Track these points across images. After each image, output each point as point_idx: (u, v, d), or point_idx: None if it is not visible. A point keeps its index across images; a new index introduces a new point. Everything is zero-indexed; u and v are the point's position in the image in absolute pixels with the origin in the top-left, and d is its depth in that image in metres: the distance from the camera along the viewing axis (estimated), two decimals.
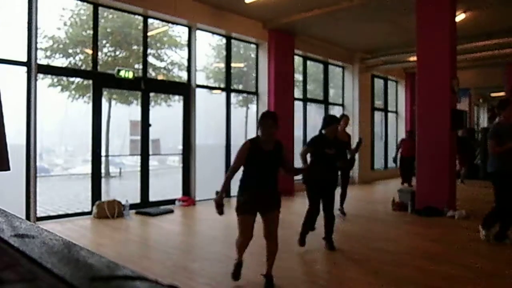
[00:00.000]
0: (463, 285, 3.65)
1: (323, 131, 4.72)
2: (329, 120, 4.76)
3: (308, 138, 10.29)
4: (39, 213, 6.21)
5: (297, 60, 10.27)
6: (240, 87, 9.63)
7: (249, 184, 3.43)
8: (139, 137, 7.30)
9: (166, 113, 9.18)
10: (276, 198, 3.53)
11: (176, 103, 8.66)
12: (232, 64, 9.04)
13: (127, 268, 0.51)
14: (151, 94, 7.70)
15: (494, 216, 4.96)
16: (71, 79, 9.03)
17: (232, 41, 8.88)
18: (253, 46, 9.38)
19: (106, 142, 8.70)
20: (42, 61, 6.99)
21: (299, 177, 3.90)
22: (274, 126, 3.46)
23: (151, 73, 8.26)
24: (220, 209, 3.36)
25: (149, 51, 7.82)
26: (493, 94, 16.25)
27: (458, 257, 4.46)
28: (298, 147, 9.82)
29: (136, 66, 7.74)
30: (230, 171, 3.49)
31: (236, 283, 3.60)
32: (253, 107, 9.61)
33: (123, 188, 10.40)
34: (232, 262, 4.04)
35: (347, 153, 6.01)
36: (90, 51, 6.95)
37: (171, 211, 6.91)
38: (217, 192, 3.55)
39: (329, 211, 4.66)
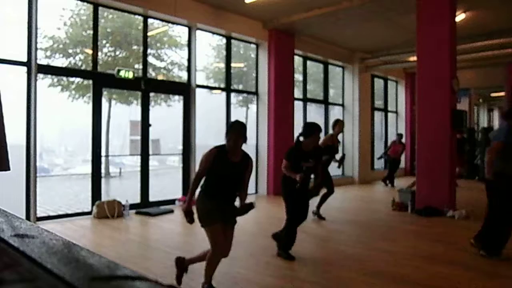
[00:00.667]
0: (463, 285, 3.65)
1: (300, 139, 4.42)
2: (308, 130, 4.40)
3: None
4: (39, 213, 6.21)
5: (297, 60, 10.27)
6: (240, 87, 9.63)
7: (213, 193, 3.25)
8: (139, 137, 7.30)
9: (166, 113, 9.18)
10: (234, 211, 3.35)
11: (176, 103, 8.66)
12: (232, 64, 9.04)
13: (127, 268, 0.51)
14: (151, 94, 7.70)
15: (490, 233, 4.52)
16: (71, 79, 9.03)
17: (232, 41, 8.88)
18: (253, 46, 9.38)
19: (106, 142, 8.70)
20: (42, 61, 6.99)
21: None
22: (241, 139, 3.23)
23: (151, 73, 8.26)
24: (190, 217, 3.20)
25: (149, 51, 7.82)
26: (493, 94, 16.26)
27: (458, 257, 4.46)
28: None
29: (136, 66, 7.74)
30: (196, 178, 3.30)
31: (236, 283, 3.60)
32: (253, 107, 9.61)
33: (123, 188, 10.40)
34: (232, 262, 4.04)
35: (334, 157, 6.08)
36: (90, 51, 6.95)
37: (171, 211, 6.91)
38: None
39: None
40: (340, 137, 6.80)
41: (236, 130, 3.22)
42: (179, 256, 3.54)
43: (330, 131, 6.62)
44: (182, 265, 3.49)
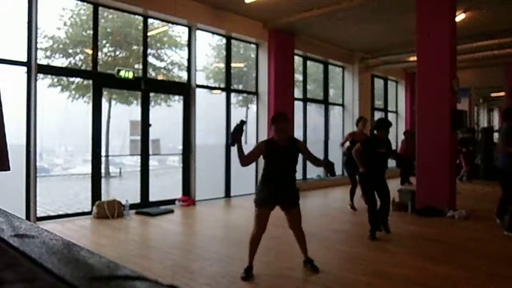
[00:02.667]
0: (463, 285, 3.65)
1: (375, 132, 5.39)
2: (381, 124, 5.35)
3: (309, 138, 10.42)
4: (39, 213, 6.21)
5: (297, 60, 10.27)
6: (240, 87, 9.63)
7: (267, 179, 3.67)
8: (139, 137, 7.30)
9: (166, 113, 9.18)
10: (295, 193, 3.76)
11: (176, 103, 8.66)
12: (232, 64, 9.04)
13: (127, 268, 0.51)
14: (151, 94, 7.70)
15: (504, 203, 5.63)
16: (71, 79, 9.04)
17: (232, 41, 8.88)
18: (253, 46, 9.38)
19: (106, 142, 8.71)
20: (42, 61, 7.00)
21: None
22: (287, 128, 3.70)
23: (151, 73, 8.26)
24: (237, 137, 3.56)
25: (149, 51, 7.82)
26: (493, 94, 16.27)
27: (458, 257, 4.46)
28: None
29: (136, 66, 7.74)
30: (243, 157, 3.62)
31: (236, 283, 3.60)
32: (253, 107, 9.61)
33: (123, 188, 10.40)
34: (232, 262, 4.05)
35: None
36: (90, 51, 6.95)
37: (171, 211, 6.91)
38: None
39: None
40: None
41: (280, 125, 3.64)
42: (303, 260, 3.96)
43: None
44: (310, 261, 3.94)
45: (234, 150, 3.75)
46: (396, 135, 13.76)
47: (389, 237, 5.44)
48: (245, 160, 3.62)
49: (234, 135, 3.56)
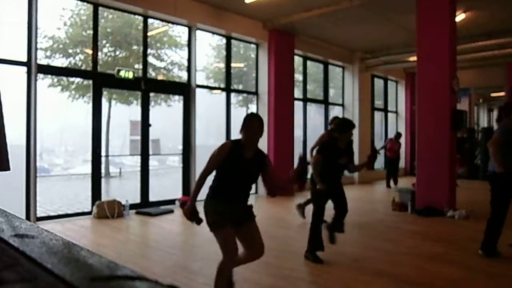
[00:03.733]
0: (463, 285, 3.65)
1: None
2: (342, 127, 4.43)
3: (308, 138, 10.43)
4: (39, 213, 6.21)
5: (297, 60, 10.27)
6: (240, 87, 9.63)
7: (223, 193, 2.94)
8: (139, 137, 7.30)
9: (166, 113, 9.18)
10: (250, 209, 3.05)
11: (176, 103, 8.66)
12: (232, 64, 9.04)
13: (127, 268, 0.51)
14: (151, 94, 7.70)
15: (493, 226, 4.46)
16: (71, 79, 9.03)
17: (232, 41, 8.88)
18: (253, 46, 9.38)
19: (106, 142, 8.70)
20: (42, 61, 6.99)
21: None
22: (260, 132, 2.96)
23: (151, 73, 8.26)
24: (196, 217, 2.93)
25: (149, 51, 7.82)
26: (493, 94, 16.25)
27: (458, 257, 4.46)
28: (298, 147, 9.84)
29: (136, 66, 7.74)
30: (202, 176, 2.99)
31: (236, 283, 3.59)
32: (253, 107, 9.61)
33: (123, 188, 10.40)
34: None
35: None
36: (90, 51, 6.95)
37: (171, 211, 6.91)
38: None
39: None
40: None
41: (255, 123, 2.96)
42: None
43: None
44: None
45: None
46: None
47: (389, 237, 5.44)
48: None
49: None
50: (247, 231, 2.97)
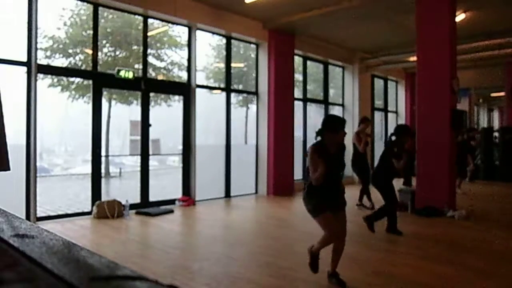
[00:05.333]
0: (463, 285, 3.65)
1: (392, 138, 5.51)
2: (400, 131, 5.56)
3: (309, 139, 10.42)
4: (39, 213, 6.21)
5: (297, 60, 10.27)
6: (240, 87, 9.63)
7: (321, 185, 3.48)
8: (139, 137, 7.30)
9: (166, 113, 9.18)
10: (342, 197, 3.65)
11: (176, 103, 8.66)
12: (232, 64, 9.04)
13: (127, 268, 0.51)
14: (151, 94, 7.70)
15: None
16: (71, 79, 9.03)
17: (232, 41, 8.88)
18: (253, 46, 9.38)
19: (106, 142, 8.70)
20: (42, 61, 6.99)
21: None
22: (343, 137, 3.58)
23: (151, 73, 8.26)
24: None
25: (149, 51, 7.82)
26: (493, 94, 16.26)
27: (458, 257, 4.46)
28: (298, 147, 9.84)
29: (136, 66, 7.74)
30: (314, 176, 3.48)
31: (236, 283, 3.60)
32: (253, 107, 9.61)
33: (123, 188, 10.41)
34: (232, 262, 4.04)
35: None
36: (90, 51, 6.95)
37: (171, 211, 6.91)
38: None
39: None
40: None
41: (341, 133, 3.51)
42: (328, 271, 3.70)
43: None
44: (335, 275, 3.68)
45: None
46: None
47: (389, 237, 5.44)
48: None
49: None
50: (337, 218, 3.58)
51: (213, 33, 8.58)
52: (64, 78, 9.01)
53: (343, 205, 3.64)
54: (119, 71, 6.77)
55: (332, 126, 3.52)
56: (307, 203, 3.58)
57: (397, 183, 10.28)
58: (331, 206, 3.52)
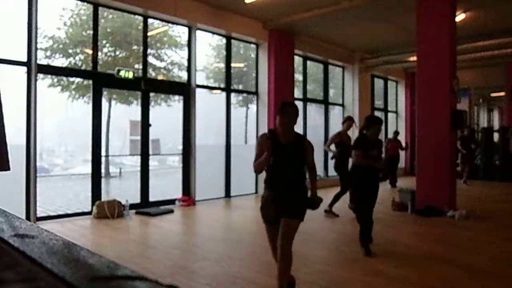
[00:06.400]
0: (463, 285, 3.65)
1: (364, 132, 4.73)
2: (371, 123, 4.71)
3: (308, 138, 10.39)
4: (39, 213, 6.21)
5: (297, 60, 10.27)
6: (240, 87, 9.63)
7: (268, 184, 3.08)
8: (139, 137, 7.30)
9: (166, 113, 9.18)
10: (296, 204, 3.02)
11: (176, 103, 8.66)
12: (232, 64, 9.04)
13: (127, 268, 0.51)
14: (151, 94, 7.70)
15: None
16: (71, 79, 9.03)
17: (232, 41, 8.88)
18: (253, 46, 9.38)
19: (106, 142, 8.71)
20: (42, 61, 7.00)
21: None
22: (295, 117, 3.04)
23: (151, 73, 8.26)
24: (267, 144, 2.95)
25: (149, 51, 7.82)
26: (493, 94, 16.25)
27: (458, 257, 4.46)
28: None
29: (136, 66, 7.74)
30: (256, 160, 3.07)
31: (236, 283, 3.60)
32: (253, 107, 9.61)
33: (123, 188, 10.40)
34: (232, 262, 4.04)
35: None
36: (90, 51, 6.95)
37: (171, 211, 6.91)
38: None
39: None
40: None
41: (290, 109, 3.05)
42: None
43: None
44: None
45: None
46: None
47: (389, 237, 5.44)
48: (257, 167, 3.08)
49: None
50: (281, 226, 3.00)
51: (213, 33, 8.58)
52: (64, 78, 9.02)
53: (292, 214, 2.98)
54: (119, 71, 6.77)
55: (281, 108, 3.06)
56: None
57: (384, 187, 10.27)
58: (275, 212, 2.99)
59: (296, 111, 3.07)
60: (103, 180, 7.09)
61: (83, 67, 7.72)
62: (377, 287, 3.60)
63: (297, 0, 7.56)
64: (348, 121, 6.89)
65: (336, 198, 6.60)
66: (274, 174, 3.02)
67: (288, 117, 2.99)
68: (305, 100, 10.63)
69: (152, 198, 7.38)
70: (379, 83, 13.36)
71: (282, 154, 2.97)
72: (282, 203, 2.98)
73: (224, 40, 8.78)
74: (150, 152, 7.45)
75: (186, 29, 8.04)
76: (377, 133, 4.65)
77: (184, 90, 7.98)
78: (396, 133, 11.29)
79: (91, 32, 6.72)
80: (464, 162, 11.00)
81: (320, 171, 11.84)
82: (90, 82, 6.79)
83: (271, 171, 3.04)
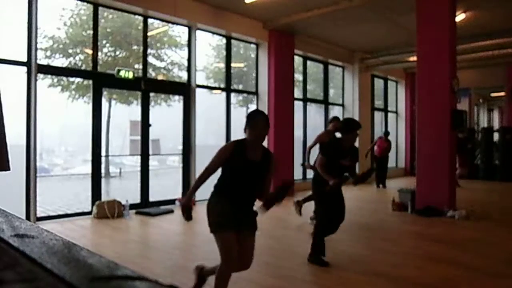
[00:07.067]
0: (464, 285, 3.65)
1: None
2: (348, 127, 4.15)
3: (308, 138, 10.42)
4: (39, 213, 6.21)
5: (297, 60, 10.27)
6: (240, 87, 9.63)
7: (227, 193, 2.83)
8: (139, 137, 7.30)
9: (166, 113, 9.18)
10: (254, 217, 2.90)
11: (176, 103, 8.66)
12: (232, 64, 9.04)
13: (127, 268, 0.51)
14: (151, 94, 7.70)
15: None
16: (71, 79, 9.02)
17: (232, 41, 8.88)
18: (253, 46, 9.38)
19: (106, 142, 8.70)
20: (42, 61, 6.99)
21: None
22: (266, 129, 2.80)
23: (151, 73, 8.26)
24: (188, 213, 2.81)
25: (149, 51, 7.82)
26: (493, 94, 16.26)
27: (458, 257, 4.46)
28: (298, 147, 9.83)
29: (136, 66, 7.74)
30: (204, 174, 2.86)
31: (236, 283, 3.59)
32: (253, 107, 9.61)
33: (123, 188, 10.39)
34: None
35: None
36: (90, 51, 6.95)
37: (171, 211, 6.91)
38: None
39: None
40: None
41: (260, 120, 2.77)
42: (199, 264, 3.22)
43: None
44: (200, 272, 3.19)
45: None
46: (396, 135, 13.75)
47: (389, 237, 5.44)
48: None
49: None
50: (242, 241, 2.83)
51: (213, 33, 8.58)
52: (64, 78, 9.01)
53: (253, 227, 2.88)
54: (119, 71, 6.77)
55: (249, 121, 2.82)
56: (208, 213, 2.87)
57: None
58: (236, 224, 2.76)
59: (267, 122, 2.80)
60: (103, 180, 7.09)
61: (83, 67, 7.72)
62: (377, 287, 3.60)
63: (297, 0, 7.56)
64: (334, 121, 6.34)
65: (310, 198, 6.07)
66: (234, 187, 2.82)
67: (260, 130, 2.76)
68: (305, 100, 10.63)
69: (152, 198, 7.38)
70: (379, 83, 13.36)
71: (246, 170, 2.78)
72: (242, 216, 2.82)
73: (224, 40, 8.78)
74: (150, 152, 7.45)
75: (186, 29, 8.04)
76: (354, 140, 4.16)
77: (184, 90, 7.98)
78: (387, 133, 10.90)
79: (91, 32, 6.72)
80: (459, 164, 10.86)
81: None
82: (90, 82, 6.79)
83: (231, 183, 2.84)
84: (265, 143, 3.22)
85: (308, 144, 6.30)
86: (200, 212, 7.84)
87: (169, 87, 8.18)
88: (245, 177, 2.81)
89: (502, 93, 13.47)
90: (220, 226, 2.77)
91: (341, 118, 6.10)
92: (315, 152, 5.58)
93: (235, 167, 2.80)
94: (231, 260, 2.77)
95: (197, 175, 2.98)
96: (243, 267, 2.92)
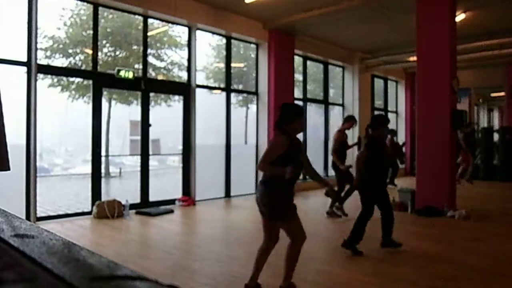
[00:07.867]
0: (463, 285, 3.65)
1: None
2: (377, 123, 4.65)
3: (309, 138, 10.42)
4: (39, 213, 6.21)
5: (297, 60, 10.27)
6: (240, 87, 9.63)
7: (288, 182, 3.11)
8: (139, 137, 7.30)
9: (166, 113, 9.18)
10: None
11: (176, 103, 8.66)
12: (232, 64, 9.04)
13: (127, 268, 0.51)
14: (151, 94, 7.70)
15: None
16: (71, 79, 9.02)
17: (232, 41, 8.88)
18: (253, 46, 9.38)
19: (106, 142, 8.70)
20: (42, 61, 6.98)
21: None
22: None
23: (151, 73, 8.25)
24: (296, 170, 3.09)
25: (149, 51, 7.82)
26: (493, 94, 16.26)
27: (458, 257, 4.46)
28: None
29: (136, 66, 7.74)
30: (267, 165, 3.13)
31: (236, 283, 3.60)
32: (253, 107, 9.61)
33: (123, 188, 10.40)
34: (232, 261, 4.04)
35: None
36: (90, 51, 6.95)
37: (171, 211, 6.91)
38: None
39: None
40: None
41: (303, 114, 3.30)
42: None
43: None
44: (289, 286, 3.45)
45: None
46: (396, 135, 13.72)
47: None
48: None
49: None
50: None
51: (213, 33, 8.58)
52: (64, 78, 9.01)
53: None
54: (119, 71, 6.77)
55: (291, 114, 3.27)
56: (275, 203, 3.18)
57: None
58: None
59: None
60: (103, 180, 7.09)
61: (83, 67, 7.72)
62: (377, 287, 3.60)
63: (297, 0, 7.56)
64: (351, 120, 6.91)
65: (339, 198, 6.51)
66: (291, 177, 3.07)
67: (304, 122, 3.30)
68: (305, 100, 10.63)
69: (152, 198, 7.38)
70: (379, 83, 13.36)
71: (296, 157, 3.16)
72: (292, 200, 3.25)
73: (224, 40, 8.78)
74: (150, 152, 7.45)
75: (186, 29, 8.04)
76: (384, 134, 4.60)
77: (184, 90, 7.98)
78: (390, 132, 10.27)
79: (91, 32, 6.72)
80: (466, 161, 10.75)
81: (319, 170, 11.83)
82: (90, 82, 6.80)
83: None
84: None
85: (330, 147, 7.28)
86: (201, 211, 7.87)
87: (169, 87, 8.18)
88: (298, 163, 3.17)
89: (502, 93, 13.47)
90: (292, 213, 3.22)
91: (341, 118, 6.36)
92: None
93: (292, 157, 3.10)
94: (304, 232, 3.34)
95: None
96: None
